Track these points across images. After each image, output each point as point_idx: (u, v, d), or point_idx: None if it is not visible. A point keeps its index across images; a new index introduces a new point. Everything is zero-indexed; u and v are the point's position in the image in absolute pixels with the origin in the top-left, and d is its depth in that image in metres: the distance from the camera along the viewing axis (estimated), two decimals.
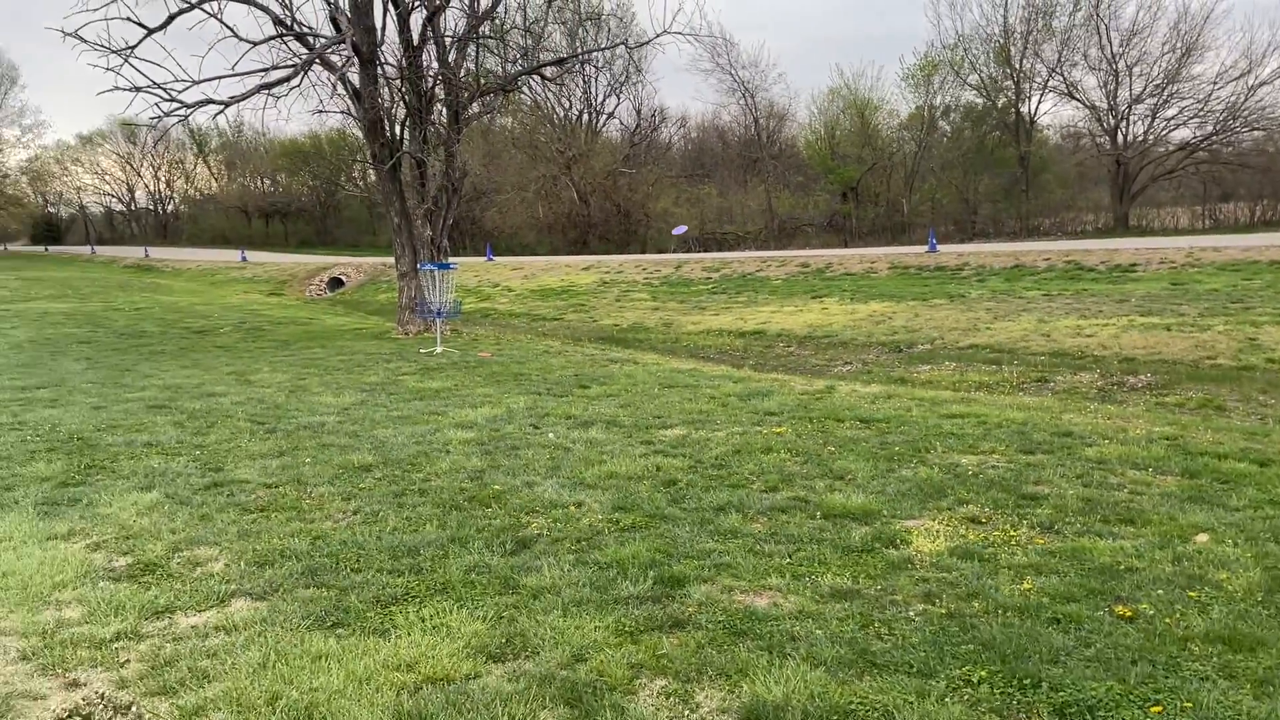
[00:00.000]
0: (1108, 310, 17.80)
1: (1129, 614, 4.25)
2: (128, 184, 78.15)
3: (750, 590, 4.72)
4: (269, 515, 6.27)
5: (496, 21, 19.11)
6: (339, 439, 8.63)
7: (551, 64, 19.86)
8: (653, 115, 53.07)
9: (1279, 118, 36.32)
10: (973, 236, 40.28)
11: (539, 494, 6.59)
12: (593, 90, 52.05)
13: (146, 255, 53.20)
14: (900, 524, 5.66)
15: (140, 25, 15.76)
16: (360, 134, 19.14)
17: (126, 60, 14.88)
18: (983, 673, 3.78)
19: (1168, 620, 4.19)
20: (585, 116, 52.77)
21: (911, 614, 4.35)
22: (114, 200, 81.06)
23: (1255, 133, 37.21)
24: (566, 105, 51.74)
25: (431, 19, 17.19)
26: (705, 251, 42.01)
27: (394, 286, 35.72)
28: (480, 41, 18.61)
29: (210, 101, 14.85)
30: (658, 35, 18.52)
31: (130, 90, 14.75)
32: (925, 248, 29.28)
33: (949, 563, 4.97)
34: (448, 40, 17.90)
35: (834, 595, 4.59)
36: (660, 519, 5.92)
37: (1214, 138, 37.64)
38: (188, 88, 14.95)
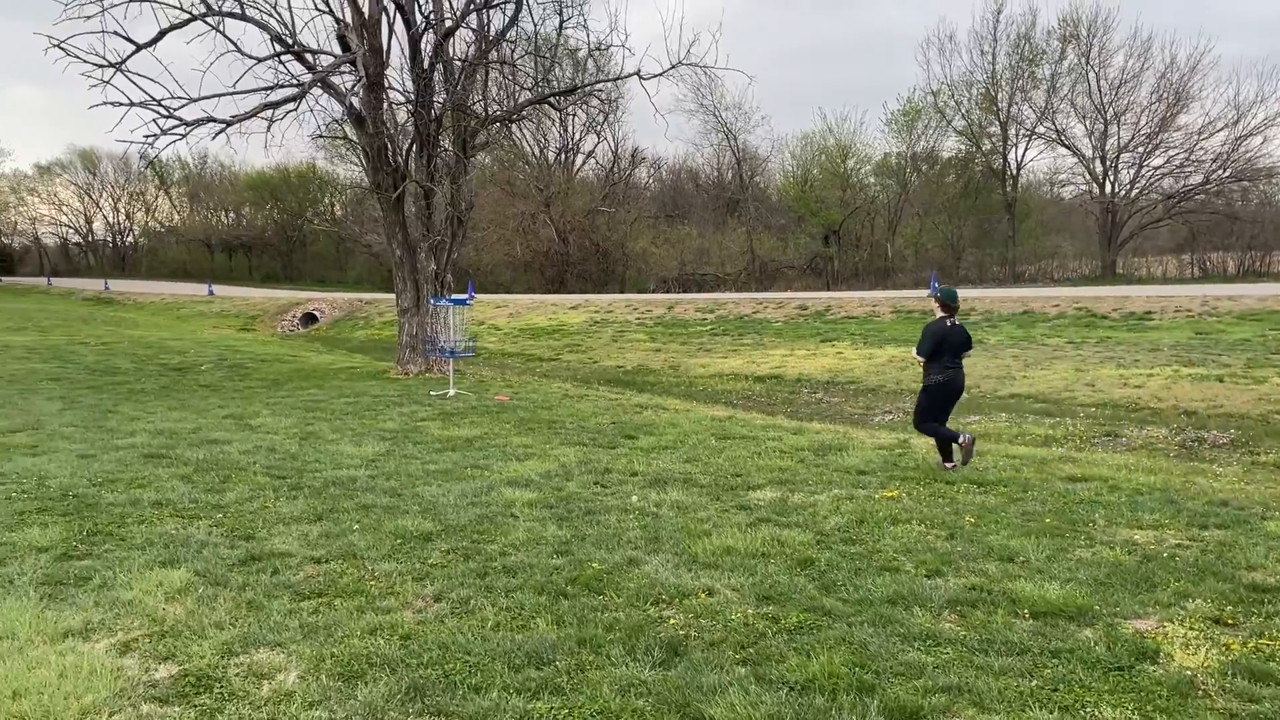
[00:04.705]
0: (1144, 360, 17.08)
1: None
2: (85, 215, 75.74)
3: None
4: (332, 603, 5.11)
5: (506, 49, 18.15)
6: (379, 498, 7.46)
7: (561, 94, 18.91)
8: (630, 155, 52.38)
9: (1264, 169, 36.41)
10: (958, 282, 39.87)
11: (651, 575, 5.49)
12: (570, 129, 51.26)
13: (106, 287, 51.20)
14: (1130, 626, 4.63)
15: (130, 41, 14.56)
16: (361, 162, 17.97)
17: (119, 70, 13.61)
18: None
19: None
20: (562, 155, 51.91)
21: None
22: (70, 231, 78.48)
23: (1242, 183, 37.27)
24: (543, 143, 50.93)
25: (444, 42, 16.19)
26: (685, 292, 41.16)
27: (371, 323, 34.44)
28: (490, 68, 17.64)
29: (211, 119, 13.62)
30: (674, 66, 17.66)
31: (125, 105, 13.44)
32: (925, 291, 28.62)
33: (1243, 687, 3.94)
34: (457, 65, 16.91)
35: None
36: (823, 614, 4.84)
37: (1201, 188, 37.63)
38: (185, 105, 13.72)
